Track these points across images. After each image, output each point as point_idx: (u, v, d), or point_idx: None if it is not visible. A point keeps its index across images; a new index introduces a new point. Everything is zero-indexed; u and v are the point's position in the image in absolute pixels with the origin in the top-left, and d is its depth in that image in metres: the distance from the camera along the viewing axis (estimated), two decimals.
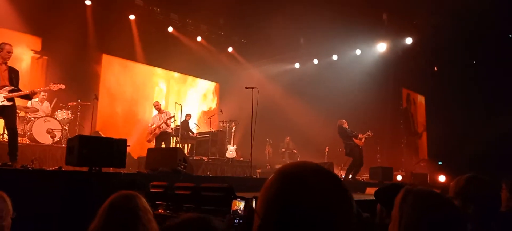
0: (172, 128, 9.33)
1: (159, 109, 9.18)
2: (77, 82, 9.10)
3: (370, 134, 9.14)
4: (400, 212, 1.28)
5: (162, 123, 8.92)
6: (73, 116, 8.01)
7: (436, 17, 9.93)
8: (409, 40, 10.98)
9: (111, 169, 5.71)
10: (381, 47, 11.28)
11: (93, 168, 4.54)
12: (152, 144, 8.62)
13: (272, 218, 0.80)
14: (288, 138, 11.77)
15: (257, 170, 9.39)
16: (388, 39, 11.14)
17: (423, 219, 1.22)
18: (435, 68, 12.39)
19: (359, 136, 8.94)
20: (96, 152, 4.47)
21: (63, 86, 6.18)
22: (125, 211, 1.79)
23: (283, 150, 11.51)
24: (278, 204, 0.80)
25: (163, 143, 8.88)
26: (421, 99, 13.52)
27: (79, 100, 8.09)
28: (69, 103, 7.98)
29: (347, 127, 9.05)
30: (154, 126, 9.00)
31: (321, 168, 0.86)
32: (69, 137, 6.54)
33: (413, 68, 12.04)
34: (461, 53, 11.60)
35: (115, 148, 4.57)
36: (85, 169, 4.56)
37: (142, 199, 1.89)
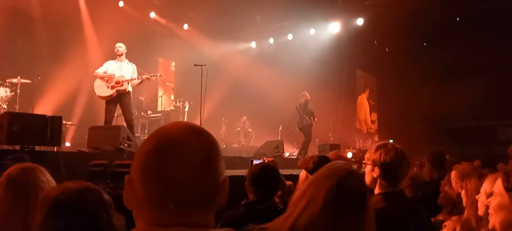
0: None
1: (121, 55, 6.41)
2: (19, 57, 8.60)
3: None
4: None
5: (134, 80, 6.28)
6: (13, 93, 7.56)
7: None
8: (360, 21, 11.23)
9: (55, 148, 5.48)
10: (335, 27, 11.46)
11: (26, 147, 4.34)
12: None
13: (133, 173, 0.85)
14: (245, 117, 11.82)
15: None
16: (341, 19, 11.33)
17: None
18: (387, 49, 12.81)
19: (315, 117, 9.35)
20: (28, 130, 4.26)
21: None
22: (22, 184, 1.71)
23: (239, 129, 11.57)
24: (139, 157, 0.84)
25: (120, 106, 6.32)
26: (372, 79, 13.99)
27: (19, 77, 7.62)
28: (7, 80, 7.50)
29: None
30: (109, 73, 6.21)
31: (196, 127, 0.88)
32: None
33: (365, 49, 12.38)
34: (411, 35, 12.07)
35: (49, 125, 4.37)
36: (17, 147, 4.35)
37: (43, 171, 1.81)
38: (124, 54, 6.51)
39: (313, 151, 9.18)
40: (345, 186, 1.26)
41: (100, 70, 6.37)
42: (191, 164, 0.81)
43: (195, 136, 0.84)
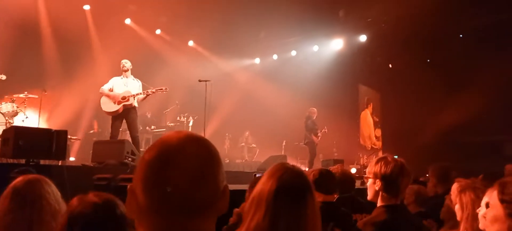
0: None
1: (126, 70, 6.49)
2: (26, 72, 8.74)
3: (325, 130, 9.62)
4: None
5: (139, 95, 6.34)
6: (20, 109, 7.64)
7: (389, 15, 10.28)
8: (363, 38, 11.32)
9: (60, 162, 5.52)
10: (338, 44, 11.56)
11: (31, 161, 4.38)
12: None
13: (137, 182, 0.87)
14: (247, 132, 11.84)
15: None
16: (344, 36, 11.43)
17: None
18: (390, 65, 12.85)
19: (318, 133, 9.39)
20: (33, 144, 4.31)
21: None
22: (27, 194, 1.74)
23: (242, 144, 11.58)
24: (140, 167, 0.87)
25: (126, 122, 6.43)
26: (376, 95, 13.99)
27: (26, 93, 7.72)
28: (14, 95, 7.60)
29: (315, 117, 9.53)
30: (116, 92, 6.31)
31: (196, 136, 0.90)
32: None
33: (368, 65, 12.44)
34: (415, 51, 12.13)
35: (55, 139, 4.42)
36: (22, 161, 4.40)
37: (49, 183, 1.85)
38: (129, 70, 6.58)
39: (317, 166, 9.17)
40: (283, 184, 1.28)
41: (105, 87, 6.44)
42: (191, 172, 0.83)
43: (195, 144, 0.87)
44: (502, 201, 1.52)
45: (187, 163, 0.83)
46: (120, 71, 6.66)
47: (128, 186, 0.89)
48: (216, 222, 0.91)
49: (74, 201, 1.44)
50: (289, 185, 1.29)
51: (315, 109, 9.64)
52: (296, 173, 1.35)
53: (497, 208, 1.53)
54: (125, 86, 6.43)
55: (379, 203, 2.08)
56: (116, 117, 6.39)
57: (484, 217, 1.64)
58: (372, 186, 2.10)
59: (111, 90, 6.40)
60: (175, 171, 0.82)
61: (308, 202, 1.29)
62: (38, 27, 9.71)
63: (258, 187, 1.33)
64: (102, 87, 6.50)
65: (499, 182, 1.57)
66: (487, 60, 10.92)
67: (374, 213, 2.07)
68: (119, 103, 6.30)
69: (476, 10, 10.20)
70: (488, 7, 10.02)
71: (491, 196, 1.59)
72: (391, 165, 2.01)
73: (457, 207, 2.26)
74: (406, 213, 2.18)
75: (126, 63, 6.54)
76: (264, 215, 1.25)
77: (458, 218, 2.26)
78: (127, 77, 6.53)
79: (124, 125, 6.70)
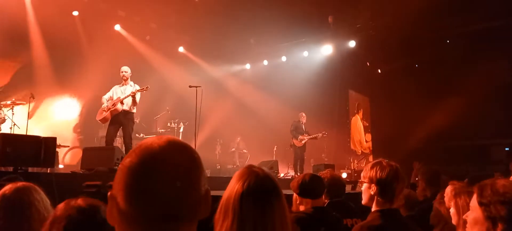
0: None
1: (126, 79, 6.57)
2: (13, 78, 8.62)
3: (324, 134, 9.63)
4: None
5: (128, 96, 6.31)
6: (7, 116, 7.52)
7: (378, 21, 10.40)
8: (352, 43, 11.43)
9: (48, 169, 5.45)
10: (327, 49, 11.65)
11: (19, 168, 4.32)
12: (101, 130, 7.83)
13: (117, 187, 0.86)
14: (239, 138, 11.83)
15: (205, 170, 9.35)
16: (333, 42, 11.52)
17: None
18: (379, 70, 12.99)
19: (300, 137, 9.41)
20: (21, 151, 4.26)
21: None
22: (16, 202, 1.73)
23: (233, 149, 11.56)
24: (122, 174, 0.86)
25: (121, 127, 6.49)
26: (365, 100, 14.12)
27: (14, 100, 7.62)
28: (1, 103, 7.49)
29: (303, 122, 9.69)
30: (113, 99, 6.43)
31: (178, 142, 0.89)
32: None
33: (358, 70, 12.56)
34: (403, 56, 12.28)
35: (43, 147, 4.37)
36: (10, 168, 4.34)
37: (38, 191, 1.83)
38: (129, 78, 6.66)
39: (308, 171, 9.19)
40: (248, 188, 1.27)
41: (106, 96, 6.61)
42: (175, 180, 0.83)
43: (178, 151, 0.87)
44: (480, 204, 1.55)
45: (171, 170, 0.83)
46: (111, 78, 6.69)
47: (109, 194, 0.88)
48: (197, 226, 0.91)
49: (61, 204, 1.43)
50: (255, 189, 1.27)
51: (303, 114, 9.72)
52: (261, 176, 1.32)
53: (477, 211, 1.56)
54: (123, 93, 6.51)
55: (374, 208, 2.08)
56: (110, 124, 6.47)
57: (466, 219, 1.67)
58: (367, 191, 2.10)
59: (111, 98, 6.53)
60: (160, 179, 0.82)
61: (275, 206, 1.27)
62: (26, 32, 9.57)
63: (226, 192, 1.32)
64: (103, 96, 6.65)
65: (478, 185, 1.60)
66: (475, 66, 11.11)
67: (369, 218, 2.08)
68: (108, 109, 6.42)
69: (463, 17, 10.38)
70: (475, 14, 10.20)
71: (472, 199, 1.63)
72: (387, 170, 2.03)
73: (452, 211, 2.28)
74: (401, 217, 2.19)
75: (126, 72, 6.62)
76: (232, 221, 1.24)
77: (454, 222, 2.27)
78: (126, 84, 6.62)
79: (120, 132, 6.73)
